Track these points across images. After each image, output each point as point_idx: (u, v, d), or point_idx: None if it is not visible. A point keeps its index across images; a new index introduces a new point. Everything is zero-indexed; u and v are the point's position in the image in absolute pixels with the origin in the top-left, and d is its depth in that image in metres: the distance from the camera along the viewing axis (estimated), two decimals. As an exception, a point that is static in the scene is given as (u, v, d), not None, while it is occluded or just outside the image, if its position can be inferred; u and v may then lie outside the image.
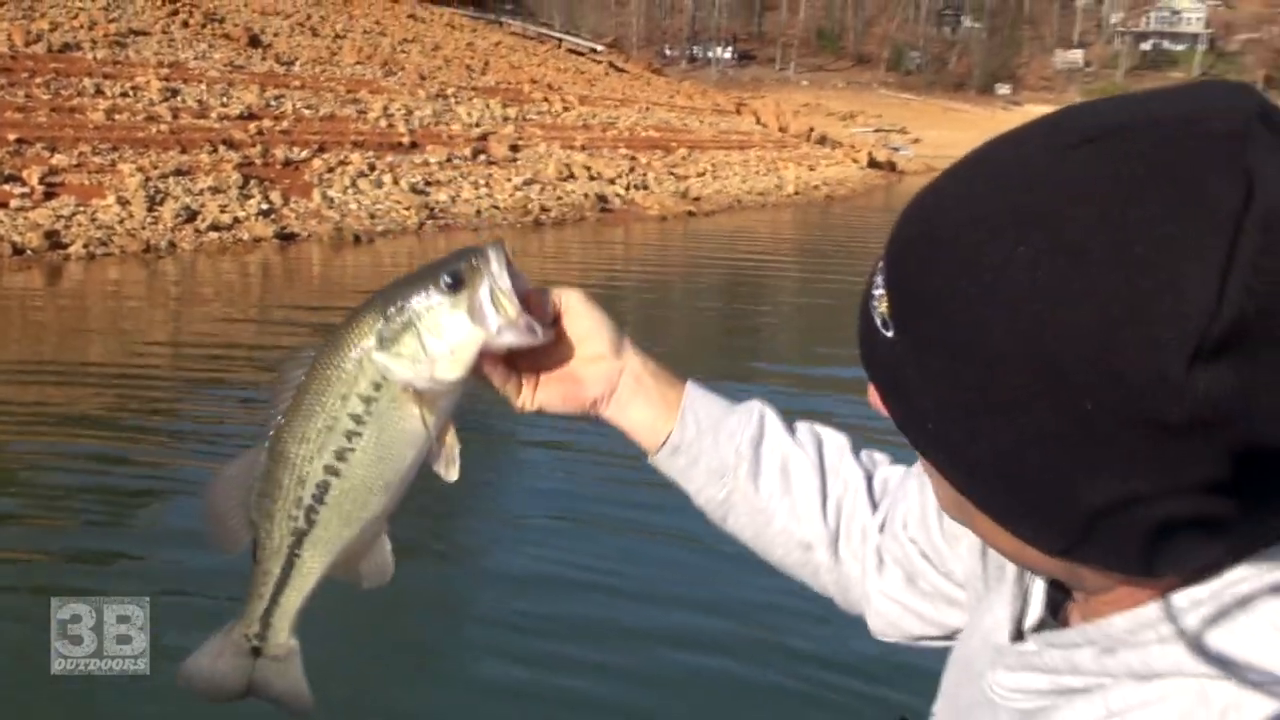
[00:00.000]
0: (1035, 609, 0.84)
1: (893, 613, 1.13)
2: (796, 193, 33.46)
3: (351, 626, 4.78)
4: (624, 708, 4.25)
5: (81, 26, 24.20)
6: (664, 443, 1.13)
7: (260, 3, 34.38)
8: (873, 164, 47.64)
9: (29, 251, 14.26)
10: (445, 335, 0.94)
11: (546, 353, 1.06)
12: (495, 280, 0.95)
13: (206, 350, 10.30)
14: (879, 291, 0.72)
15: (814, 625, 4.30)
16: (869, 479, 1.17)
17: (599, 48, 60.72)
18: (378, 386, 0.95)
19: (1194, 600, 0.66)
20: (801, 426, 1.18)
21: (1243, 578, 0.65)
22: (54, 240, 14.68)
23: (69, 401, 7.99)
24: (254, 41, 28.88)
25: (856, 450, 1.19)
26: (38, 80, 20.08)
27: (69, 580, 4.71)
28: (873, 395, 0.77)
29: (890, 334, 0.70)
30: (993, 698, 0.80)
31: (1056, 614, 0.83)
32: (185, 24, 28.16)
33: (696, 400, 1.14)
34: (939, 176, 0.71)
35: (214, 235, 16.53)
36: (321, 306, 12.81)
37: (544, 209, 22.85)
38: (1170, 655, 0.66)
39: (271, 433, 0.98)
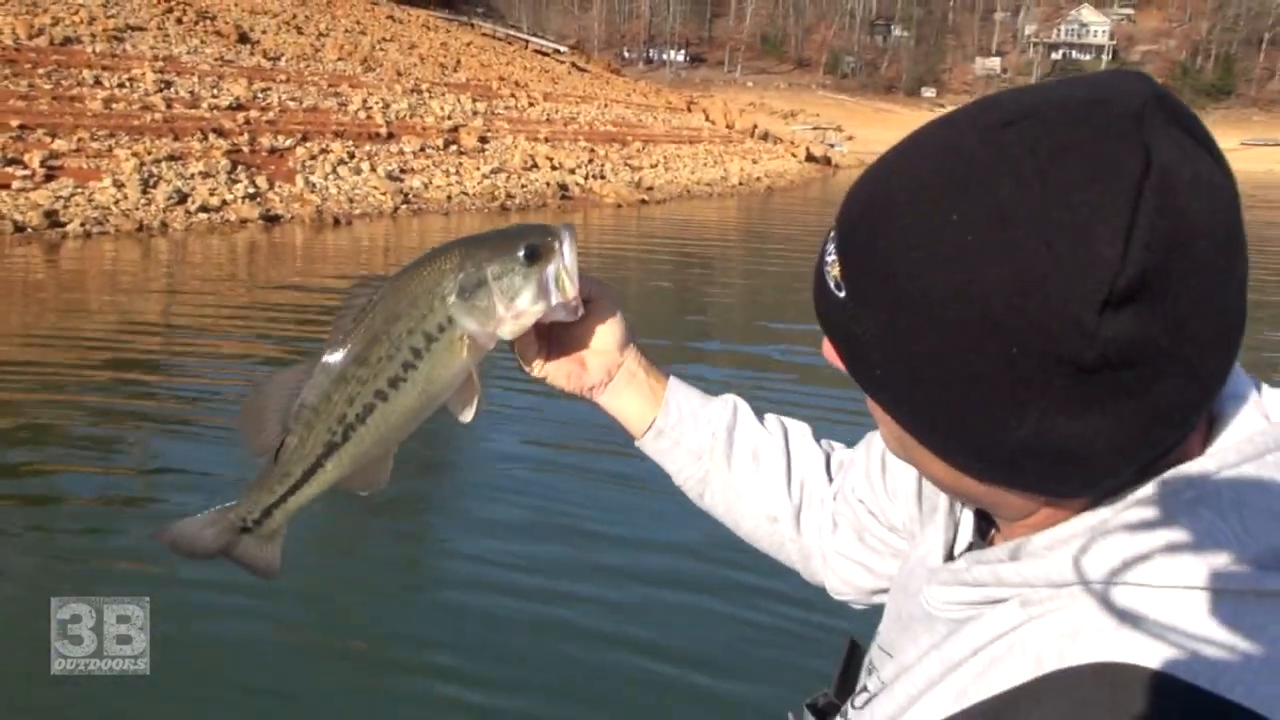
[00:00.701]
0: (965, 535, 0.88)
1: (846, 569, 1.16)
2: (740, 184, 33.50)
3: (338, 534, 4.80)
4: (578, 600, 4.36)
5: (81, 22, 23.69)
6: (649, 427, 1.16)
7: (249, 2, 33.78)
8: (810, 158, 47.80)
9: (30, 229, 14.09)
10: (515, 301, 0.96)
11: (567, 332, 1.09)
12: (564, 261, 0.97)
13: (200, 323, 10.17)
14: (831, 257, 0.74)
15: (772, 559, 4.29)
16: (828, 459, 1.21)
17: (563, 49, 60.30)
18: (441, 329, 0.96)
19: (1102, 518, 0.69)
20: (770, 417, 1.22)
21: (1144, 498, 0.68)
22: (53, 219, 14.52)
23: (65, 390, 7.36)
24: (243, 38, 28.42)
25: (818, 438, 1.23)
26: (40, 71, 19.69)
27: (69, 580, 4.41)
28: (827, 348, 0.79)
29: (842, 294, 0.72)
30: (929, 610, 0.82)
31: (984, 540, 0.86)
32: (179, 21, 27.64)
33: (679, 391, 1.17)
34: (882, 156, 0.73)
35: (203, 216, 16.37)
36: (305, 276, 12.67)
37: (509, 195, 22.77)
38: (1081, 566, 0.69)
39: (330, 350, 0.98)
